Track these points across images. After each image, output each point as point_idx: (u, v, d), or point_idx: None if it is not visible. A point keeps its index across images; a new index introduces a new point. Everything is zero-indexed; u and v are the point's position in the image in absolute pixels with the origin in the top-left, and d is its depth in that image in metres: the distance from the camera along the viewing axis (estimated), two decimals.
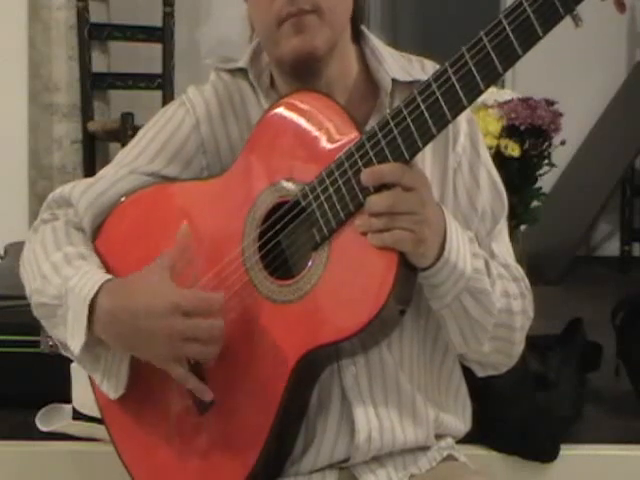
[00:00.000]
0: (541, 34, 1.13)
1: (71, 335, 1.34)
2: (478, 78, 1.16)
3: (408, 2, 5.84)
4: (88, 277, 1.33)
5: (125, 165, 1.44)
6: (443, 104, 1.18)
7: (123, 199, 1.42)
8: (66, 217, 1.44)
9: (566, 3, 1.11)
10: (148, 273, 1.31)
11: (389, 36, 5.15)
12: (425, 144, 1.20)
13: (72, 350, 1.35)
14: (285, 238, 1.30)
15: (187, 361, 1.28)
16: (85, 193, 1.43)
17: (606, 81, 4.13)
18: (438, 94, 1.18)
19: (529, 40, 1.13)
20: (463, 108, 1.18)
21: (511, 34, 1.14)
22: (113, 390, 1.37)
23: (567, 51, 3.32)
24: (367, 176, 1.21)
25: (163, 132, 1.43)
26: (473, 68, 1.16)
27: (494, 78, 1.16)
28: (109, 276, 1.34)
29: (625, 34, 4.20)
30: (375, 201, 1.21)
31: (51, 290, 1.36)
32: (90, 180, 1.45)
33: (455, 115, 1.18)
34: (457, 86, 1.17)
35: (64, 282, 1.34)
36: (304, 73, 1.34)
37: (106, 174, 1.45)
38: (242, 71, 1.43)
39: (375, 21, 5.02)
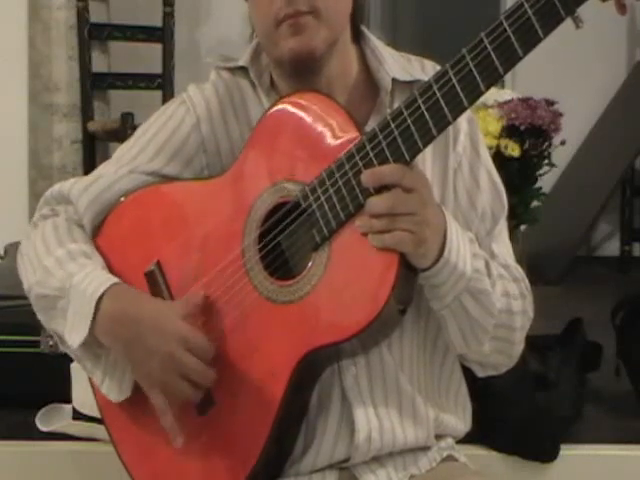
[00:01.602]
0: (542, 36, 1.13)
1: (69, 330, 1.34)
2: (479, 79, 1.16)
3: (408, 2, 5.84)
4: (94, 276, 1.33)
5: (125, 164, 1.44)
6: (444, 105, 1.18)
7: (122, 199, 1.42)
8: (66, 214, 1.44)
9: (567, 5, 1.11)
10: (159, 300, 1.34)
11: (389, 36, 5.14)
12: (426, 145, 1.20)
13: (70, 344, 1.35)
14: (285, 239, 1.30)
15: None
16: (85, 191, 1.43)
17: (606, 81, 4.12)
18: (439, 95, 1.18)
19: (530, 42, 1.13)
20: (464, 109, 1.18)
21: (512, 36, 1.14)
22: (115, 393, 1.37)
23: (567, 51, 3.32)
24: (367, 177, 1.21)
25: (163, 131, 1.43)
26: (474, 69, 1.16)
27: (495, 79, 1.16)
28: (117, 279, 1.34)
29: (625, 34, 4.20)
30: (376, 202, 1.21)
31: (54, 282, 1.36)
32: (89, 178, 1.45)
33: (456, 116, 1.18)
34: (458, 87, 1.17)
35: (68, 277, 1.34)
36: (304, 73, 1.34)
37: (105, 172, 1.45)
38: (243, 70, 1.43)
39: (375, 21, 5.01)
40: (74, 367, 1.91)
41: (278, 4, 1.30)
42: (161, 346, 1.27)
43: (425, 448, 1.41)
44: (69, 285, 1.34)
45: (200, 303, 1.32)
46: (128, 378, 1.36)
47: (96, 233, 1.43)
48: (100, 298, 1.31)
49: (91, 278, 1.33)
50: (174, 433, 1.30)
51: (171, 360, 1.27)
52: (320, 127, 1.27)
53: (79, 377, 1.90)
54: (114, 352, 1.34)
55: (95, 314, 1.31)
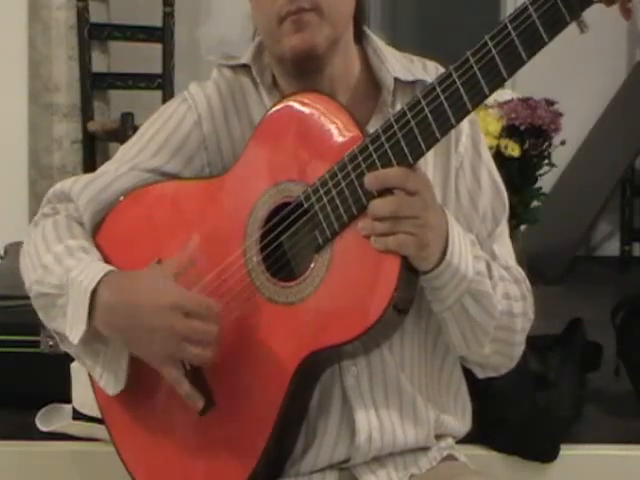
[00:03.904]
0: (547, 40, 1.12)
1: (70, 326, 1.34)
2: (482, 83, 1.16)
3: (408, 2, 5.85)
4: (90, 269, 1.33)
5: (126, 161, 1.44)
6: (447, 108, 1.18)
7: (121, 198, 1.42)
8: (67, 212, 1.44)
9: (572, 9, 1.10)
10: (151, 271, 1.32)
11: (389, 36, 5.14)
12: (429, 148, 1.20)
13: (70, 340, 1.35)
14: (287, 240, 1.30)
15: (184, 365, 1.28)
16: (86, 189, 1.43)
17: (606, 81, 4.12)
18: (442, 98, 1.18)
19: (534, 46, 1.13)
20: (467, 112, 1.18)
21: (516, 39, 1.13)
22: (112, 386, 1.37)
23: (567, 51, 3.31)
24: (371, 180, 1.21)
25: (165, 129, 1.43)
26: (478, 73, 1.16)
27: (499, 83, 1.16)
28: (111, 267, 1.33)
29: (625, 34, 4.20)
30: (379, 205, 1.21)
31: (52, 280, 1.35)
32: (91, 176, 1.45)
33: (459, 119, 1.18)
34: (461, 90, 1.17)
35: (66, 273, 1.34)
36: (306, 71, 1.34)
37: (107, 170, 1.45)
38: (244, 68, 1.43)
39: (375, 21, 5.02)
40: (74, 367, 1.92)
41: (281, 1, 1.30)
42: (158, 322, 1.26)
43: (425, 448, 1.41)
44: (66, 281, 1.33)
45: (187, 256, 1.31)
46: (123, 369, 1.35)
47: (96, 231, 1.43)
48: (95, 289, 1.30)
49: (87, 271, 1.33)
50: (194, 399, 1.29)
51: (171, 331, 1.25)
52: (323, 128, 1.27)
53: (79, 377, 1.91)
54: (117, 340, 1.33)
55: (92, 305, 1.30)
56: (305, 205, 1.27)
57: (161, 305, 1.26)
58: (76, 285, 1.32)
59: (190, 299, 1.27)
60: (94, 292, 1.30)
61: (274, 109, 1.33)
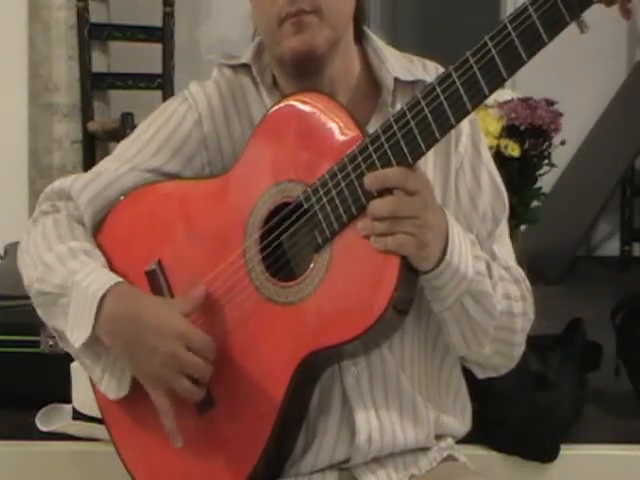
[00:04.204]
0: (546, 40, 1.12)
1: (71, 329, 1.34)
2: (482, 83, 1.16)
3: (408, 2, 5.85)
4: (96, 275, 1.33)
5: (126, 161, 1.43)
6: (447, 108, 1.18)
7: (122, 198, 1.42)
8: (67, 210, 1.44)
9: (572, 9, 1.10)
10: (160, 298, 1.34)
11: (389, 36, 5.15)
12: (429, 148, 1.20)
13: (72, 343, 1.35)
14: (287, 239, 1.30)
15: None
16: (86, 188, 1.43)
17: (606, 81, 4.12)
18: (442, 98, 1.18)
19: (534, 46, 1.13)
20: (467, 113, 1.18)
21: (516, 39, 1.13)
22: (115, 390, 1.37)
23: (567, 51, 3.32)
24: (371, 180, 1.21)
25: (165, 128, 1.43)
26: (477, 73, 1.16)
27: (498, 83, 1.16)
28: (119, 278, 1.34)
29: (625, 34, 4.19)
30: (378, 205, 1.21)
31: (55, 279, 1.35)
32: (90, 175, 1.45)
33: (459, 119, 1.18)
34: (461, 90, 1.17)
35: (70, 274, 1.34)
36: (306, 72, 1.35)
37: (106, 169, 1.44)
38: (245, 67, 1.43)
39: (375, 21, 5.02)
40: (74, 367, 1.92)
41: (281, 3, 1.30)
42: (162, 345, 1.27)
43: (425, 448, 1.41)
44: (71, 283, 1.33)
45: (202, 299, 1.32)
46: (127, 375, 1.36)
47: (97, 231, 1.43)
48: (102, 298, 1.31)
49: (93, 277, 1.33)
50: (174, 434, 1.31)
51: (172, 359, 1.27)
52: (323, 128, 1.27)
53: (79, 377, 1.90)
54: (116, 352, 1.34)
55: (97, 314, 1.31)
56: (305, 205, 1.27)
57: (167, 330, 1.28)
58: (81, 289, 1.32)
59: (195, 334, 1.29)
60: (101, 300, 1.30)
61: (274, 108, 1.33)
